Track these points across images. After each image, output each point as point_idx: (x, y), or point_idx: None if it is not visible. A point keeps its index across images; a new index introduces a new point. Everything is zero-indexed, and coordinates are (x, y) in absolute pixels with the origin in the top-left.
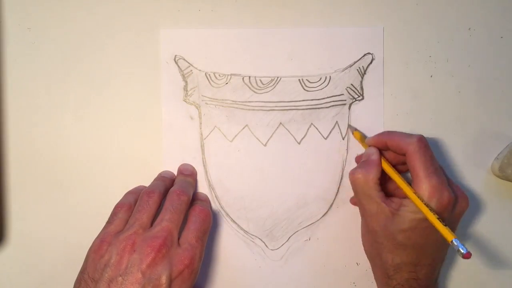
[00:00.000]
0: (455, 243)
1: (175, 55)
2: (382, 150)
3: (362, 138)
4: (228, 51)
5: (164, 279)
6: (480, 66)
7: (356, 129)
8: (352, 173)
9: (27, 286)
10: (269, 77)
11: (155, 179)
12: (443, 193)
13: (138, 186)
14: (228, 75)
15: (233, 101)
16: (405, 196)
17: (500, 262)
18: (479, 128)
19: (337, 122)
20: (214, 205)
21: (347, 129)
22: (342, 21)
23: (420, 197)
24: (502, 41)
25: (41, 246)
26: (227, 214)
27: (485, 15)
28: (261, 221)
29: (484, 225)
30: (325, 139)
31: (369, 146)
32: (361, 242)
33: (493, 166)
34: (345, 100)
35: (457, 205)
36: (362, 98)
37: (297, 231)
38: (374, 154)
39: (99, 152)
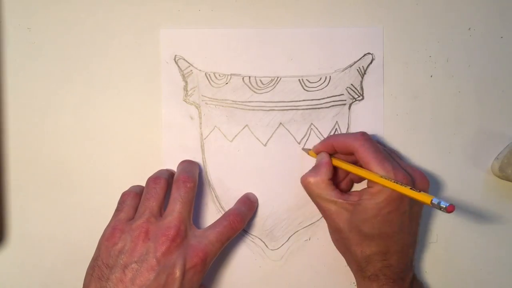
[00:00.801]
0: (435, 202)
1: (175, 55)
2: (329, 153)
3: (313, 153)
4: (228, 51)
5: (178, 268)
6: (480, 66)
7: (309, 149)
8: (303, 179)
9: (27, 286)
10: (269, 77)
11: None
12: (398, 175)
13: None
14: (228, 75)
15: (233, 101)
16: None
17: (500, 262)
18: (479, 128)
19: (337, 122)
20: (214, 205)
21: (347, 129)
22: (342, 21)
23: (386, 176)
24: (502, 41)
25: (41, 246)
26: None
27: (485, 15)
28: (261, 221)
29: (484, 225)
30: None
31: (320, 154)
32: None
33: (493, 166)
34: (345, 100)
35: (416, 184)
36: (362, 98)
37: (297, 231)
38: (323, 157)
39: (99, 152)
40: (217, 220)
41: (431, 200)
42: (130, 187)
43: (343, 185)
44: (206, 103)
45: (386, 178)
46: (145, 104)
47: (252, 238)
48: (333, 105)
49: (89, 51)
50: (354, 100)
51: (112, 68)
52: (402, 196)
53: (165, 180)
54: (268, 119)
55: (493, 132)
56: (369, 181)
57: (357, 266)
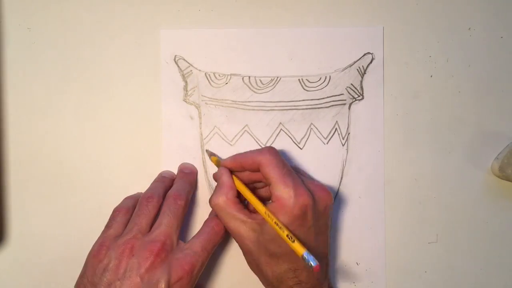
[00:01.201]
0: (305, 256)
1: (175, 55)
2: (238, 171)
3: (218, 162)
4: (228, 51)
5: (162, 284)
6: (480, 66)
7: (213, 154)
8: (211, 201)
9: (27, 286)
10: (269, 77)
11: (155, 181)
12: (298, 190)
13: (137, 193)
14: (228, 75)
15: (233, 101)
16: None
17: (500, 262)
18: (478, 128)
19: (337, 122)
20: None
21: (347, 129)
22: (342, 21)
23: (270, 213)
24: (502, 41)
25: (41, 246)
26: None
27: (485, 15)
28: None
29: (484, 225)
30: (325, 139)
31: (220, 169)
32: (361, 241)
33: (493, 166)
34: (345, 100)
35: (318, 200)
36: (362, 98)
37: None
38: (223, 175)
39: (99, 152)
40: (200, 229)
41: (302, 254)
42: (123, 201)
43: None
44: (206, 103)
45: (268, 216)
46: (145, 104)
47: None
48: (333, 105)
49: (89, 51)
50: (354, 100)
51: (112, 68)
52: (305, 212)
53: (158, 199)
54: (268, 119)
55: (493, 132)
56: (273, 197)
57: (271, 286)
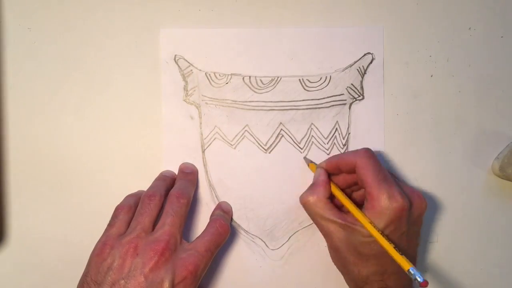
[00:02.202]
0: (411, 271)
1: (175, 55)
2: (335, 174)
3: (315, 166)
4: (228, 51)
5: (166, 284)
6: (480, 66)
7: (311, 161)
8: (302, 198)
9: (27, 286)
10: (269, 77)
11: (156, 179)
12: (395, 198)
13: (138, 191)
14: (228, 75)
15: (233, 101)
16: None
17: (500, 262)
18: (479, 128)
19: (337, 122)
20: (214, 205)
21: (347, 129)
22: (342, 21)
23: (373, 224)
24: (502, 40)
25: (41, 246)
26: None
27: (485, 15)
28: (261, 221)
29: (484, 225)
30: (325, 138)
31: (318, 169)
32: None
33: (494, 166)
34: (345, 100)
35: (413, 207)
36: (363, 98)
37: (297, 231)
38: (321, 175)
39: (99, 151)
40: (204, 230)
41: (409, 269)
42: (124, 199)
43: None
44: (206, 103)
45: (374, 227)
46: (145, 104)
47: (253, 238)
48: (333, 105)
49: (89, 51)
50: (354, 100)
51: (112, 68)
52: (401, 217)
53: (160, 197)
54: (268, 119)
55: (494, 131)
56: (368, 201)
57: (355, 285)
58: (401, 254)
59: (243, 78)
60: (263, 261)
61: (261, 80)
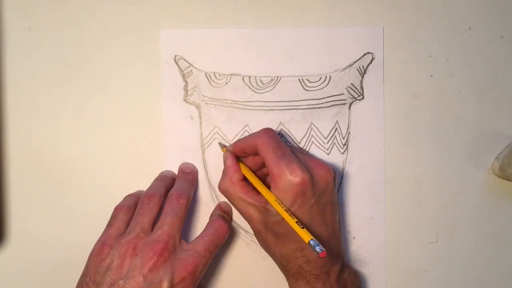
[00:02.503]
0: (311, 243)
1: (175, 55)
2: (242, 156)
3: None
4: (228, 51)
5: (165, 284)
6: (480, 66)
7: (224, 146)
8: (218, 187)
9: (27, 286)
10: (269, 77)
11: (156, 179)
12: (295, 172)
13: (138, 191)
14: (228, 75)
15: (233, 101)
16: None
17: (500, 262)
18: (479, 128)
19: (337, 121)
20: (214, 205)
21: (347, 129)
22: (342, 20)
23: (279, 202)
24: (502, 40)
25: (41, 246)
26: None
27: (485, 15)
28: None
29: (484, 225)
30: (325, 138)
31: (226, 153)
32: (361, 241)
33: (494, 166)
34: (345, 100)
35: (317, 178)
36: (362, 98)
37: None
38: (228, 159)
39: (99, 152)
40: (204, 230)
41: (309, 241)
42: (124, 199)
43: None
44: (206, 103)
45: (279, 204)
46: (145, 104)
47: (253, 238)
48: (333, 105)
49: (89, 51)
50: (354, 99)
51: (112, 68)
52: (303, 191)
53: (160, 197)
54: (268, 119)
55: (493, 131)
56: (272, 180)
57: (280, 265)
58: (302, 227)
59: (243, 78)
60: (263, 261)
61: (261, 80)
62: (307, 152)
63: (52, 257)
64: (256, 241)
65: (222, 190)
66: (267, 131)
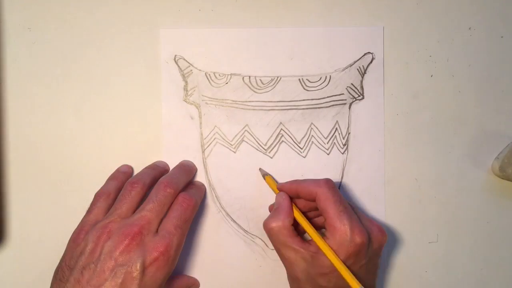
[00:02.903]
0: None
1: (175, 55)
2: (293, 197)
3: (274, 183)
4: (228, 51)
5: (137, 266)
6: (480, 66)
7: (267, 174)
8: (266, 224)
9: (27, 286)
10: (269, 76)
11: (146, 167)
12: (356, 232)
13: (120, 168)
14: (228, 74)
15: (233, 101)
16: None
17: (500, 262)
18: (479, 128)
19: (337, 121)
20: (214, 205)
21: (347, 129)
22: (342, 20)
23: (329, 247)
24: (502, 40)
25: (41, 246)
26: (227, 214)
27: (486, 15)
28: (261, 221)
29: (484, 225)
30: (325, 138)
31: (281, 194)
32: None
33: (494, 166)
34: (345, 100)
35: (373, 240)
36: (363, 98)
37: None
38: (284, 200)
39: (99, 152)
40: (169, 210)
41: None
42: (105, 184)
43: (302, 227)
44: (206, 103)
45: (337, 258)
46: (145, 104)
47: (253, 238)
48: (333, 105)
49: (89, 51)
50: (354, 99)
51: (112, 68)
52: (360, 251)
53: (143, 185)
54: (268, 119)
55: (493, 131)
56: (329, 232)
57: None
58: (352, 277)
59: (243, 78)
60: (263, 260)
61: (261, 80)
62: (361, 211)
63: (52, 257)
64: (256, 241)
65: (269, 229)
66: (328, 182)
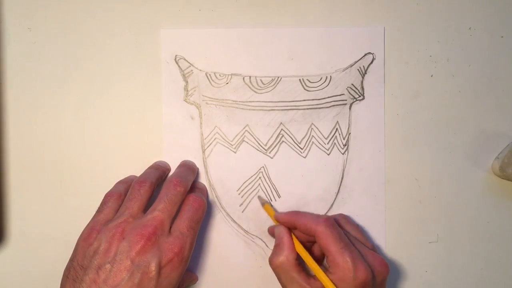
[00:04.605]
0: None
1: (176, 55)
2: (291, 228)
3: (272, 211)
4: (229, 51)
5: (153, 266)
6: (481, 66)
7: (266, 202)
8: (272, 261)
9: (27, 286)
10: (270, 77)
11: (149, 167)
12: (358, 267)
13: (129, 176)
14: (228, 75)
15: (233, 101)
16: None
17: (501, 261)
18: (479, 128)
19: (337, 122)
20: (214, 205)
21: (348, 129)
22: (343, 21)
23: (332, 283)
24: (502, 40)
25: (41, 246)
26: (228, 214)
27: (486, 15)
28: (261, 221)
29: (485, 225)
30: (326, 138)
31: (279, 224)
32: None
33: (494, 166)
34: (346, 100)
35: (376, 275)
36: (363, 98)
37: None
38: (284, 235)
39: (99, 152)
40: (180, 210)
41: None
42: (115, 186)
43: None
44: (206, 103)
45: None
46: (145, 104)
47: (253, 238)
48: (333, 105)
49: (89, 51)
50: (354, 100)
51: (112, 68)
52: (365, 282)
53: (151, 184)
54: (268, 119)
55: (494, 131)
56: (331, 267)
57: None
58: None
59: (243, 78)
60: (263, 261)
61: (261, 80)
62: (363, 239)
63: (52, 257)
64: (256, 242)
65: (276, 266)
66: (327, 221)
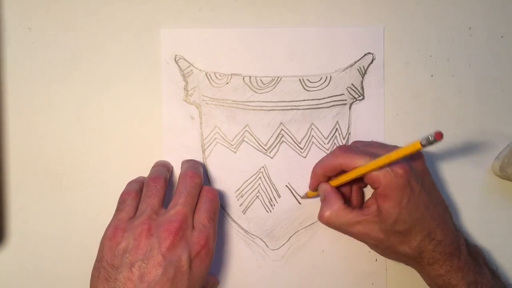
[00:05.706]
0: (423, 142)
1: (176, 55)
2: (324, 179)
3: (310, 192)
4: (229, 51)
5: (184, 261)
6: (481, 66)
7: (307, 192)
8: (320, 217)
9: (27, 286)
10: (270, 77)
11: (155, 165)
12: (393, 167)
13: (138, 177)
14: (228, 75)
15: (233, 101)
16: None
17: (501, 261)
18: (479, 127)
19: (337, 122)
20: None
21: (348, 129)
22: (343, 21)
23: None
24: (502, 40)
25: (41, 246)
26: (228, 214)
27: (486, 15)
28: (261, 221)
29: (485, 225)
30: (326, 138)
31: (320, 186)
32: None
33: (494, 166)
34: (346, 100)
35: (412, 163)
36: (363, 98)
37: (297, 231)
38: (325, 187)
39: (99, 152)
40: (198, 203)
41: (420, 143)
42: (128, 185)
43: (354, 200)
44: (206, 103)
45: (375, 161)
46: (145, 104)
47: (253, 238)
48: (333, 105)
49: (89, 51)
50: (354, 100)
51: (112, 68)
52: (409, 180)
53: (165, 180)
54: (268, 119)
55: (494, 131)
56: (370, 183)
57: (414, 261)
58: (407, 146)
59: (243, 78)
60: (263, 261)
61: (261, 80)
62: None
63: (52, 257)
64: (257, 242)
65: (327, 219)
66: (342, 149)
